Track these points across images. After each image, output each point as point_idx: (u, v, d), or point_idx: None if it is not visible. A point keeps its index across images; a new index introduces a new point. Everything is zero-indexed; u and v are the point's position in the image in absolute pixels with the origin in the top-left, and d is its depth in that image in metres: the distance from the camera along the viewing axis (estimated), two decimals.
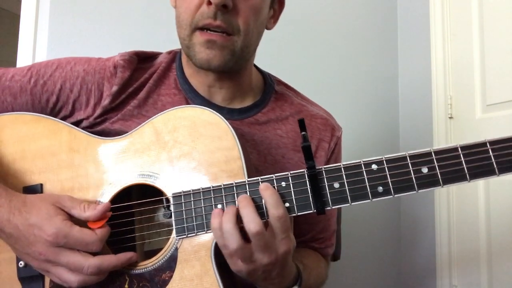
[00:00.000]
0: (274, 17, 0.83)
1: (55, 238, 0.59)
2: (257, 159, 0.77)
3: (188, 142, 0.66)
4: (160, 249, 0.65)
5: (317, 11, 1.76)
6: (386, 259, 1.80)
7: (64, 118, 0.75)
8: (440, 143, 1.56)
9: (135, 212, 0.69)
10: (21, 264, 0.65)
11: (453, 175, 0.58)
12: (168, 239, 0.68)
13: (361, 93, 1.80)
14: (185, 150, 0.66)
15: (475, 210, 1.40)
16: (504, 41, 1.32)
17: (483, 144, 0.58)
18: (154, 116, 0.68)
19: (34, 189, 0.68)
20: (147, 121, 0.69)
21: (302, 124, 0.61)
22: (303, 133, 0.61)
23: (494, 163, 0.57)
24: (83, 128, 0.73)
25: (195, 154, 0.65)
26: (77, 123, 0.75)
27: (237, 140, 0.65)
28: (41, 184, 0.68)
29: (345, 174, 0.60)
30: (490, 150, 0.58)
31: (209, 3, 0.67)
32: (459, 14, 1.53)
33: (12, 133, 0.70)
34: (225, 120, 0.66)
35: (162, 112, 0.68)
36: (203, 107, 0.68)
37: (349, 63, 1.79)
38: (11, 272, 0.65)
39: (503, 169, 0.57)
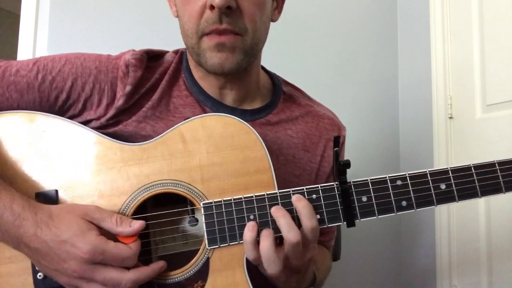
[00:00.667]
0: (278, 8, 0.81)
1: (91, 255, 0.57)
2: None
3: (216, 151, 0.65)
4: (175, 254, 0.65)
5: (317, 12, 1.76)
6: (386, 259, 1.80)
7: (72, 117, 0.71)
8: (440, 143, 1.56)
9: (153, 218, 0.67)
10: (40, 276, 0.62)
11: (467, 192, 0.64)
12: (186, 245, 0.67)
13: (361, 93, 1.80)
14: (213, 160, 0.64)
15: (475, 211, 1.40)
16: (504, 41, 1.32)
17: (493, 164, 0.65)
18: (181, 123, 0.66)
19: (49, 196, 0.63)
20: (172, 128, 0.66)
21: (336, 141, 0.62)
22: (335, 149, 0.62)
23: (501, 182, 0.64)
24: (94, 129, 0.69)
25: (224, 163, 0.64)
26: (85, 123, 0.71)
27: (266, 151, 0.65)
28: (56, 190, 0.64)
29: (372, 189, 0.63)
30: (498, 170, 0.64)
31: (212, 7, 0.66)
32: (459, 14, 1.53)
33: (21, 134, 0.65)
34: (254, 130, 0.65)
35: (188, 120, 0.66)
36: (230, 115, 0.66)
37: (349, 63, 1.79)
38: (25, 283, 0.62)
39: (509, 188, 0.64)
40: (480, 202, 1.39)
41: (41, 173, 0.65)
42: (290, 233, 0.58)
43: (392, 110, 1.85)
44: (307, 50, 1.72)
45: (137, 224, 0.60)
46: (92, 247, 0.57)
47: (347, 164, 0.61)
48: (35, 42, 1.37)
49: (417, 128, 1.73)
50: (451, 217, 1.53)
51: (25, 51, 1.37)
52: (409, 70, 1.80)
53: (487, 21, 1.40)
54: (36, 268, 0.62)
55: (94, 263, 0.57)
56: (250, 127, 0.65)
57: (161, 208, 0.67)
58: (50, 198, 0.63)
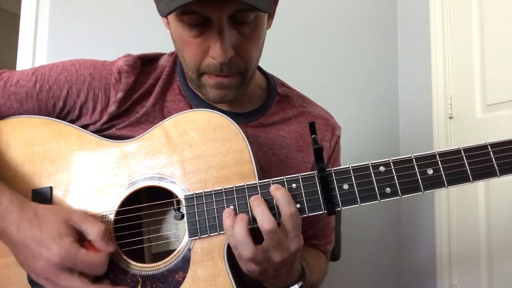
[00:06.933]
0: (271, 17, 0.79)
1: (61, 260, 0.58)
2: (262, 159, 0.78)
3: (199, 145, 0.66)
4: (168, 251, 0.65)
5: (317, 12, 1.76)
6: (386, 259, 1.80)
7: (71, 122, 0.74)
8: (440, 143, 1.56)
9: (143, 214, 0.69)
10: None
11: (457, 176, 0.60)
12: (178, 241, 0.68)
13: (361, 93, 1.80)
14: (196, 153, 0.66)
15: (475, 210, 1.40)
16: (504, 41, 1.32)
17: (485, 146, 0.60)
18: (165, 120, 0.68)
19: (44, 192, 0.67)
20: (157, 124, 0.69)
21: (312, 128, 0.62)
22: (313, 136, 0.62)
23: (495, 164, 0.60)
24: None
25: (206, 156, 0.66)
26: (83, 128, 0.74)
27: (247, 143, 0.65)
28: (51, 187, 0.67)
29: (354, 176, 0.61)
30: (491, 152, 0.60)
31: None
32: (459, 14, 1.53)
33: (21, 136, 0.69)
34: (235, 123, 0.66)
35: (172, 116, 0.68)
36: (213, 110, 0.68)
37: (349, 64, 1.79)
38: (20, 275, 0.65)
39: (504, 171, 0.59)
40: (480, 202, 1.39)
41: (38, 171, 0.68)
42: (263, 221, 0.57)
43: (392, 110, 1.85)
44: (307, 50, 1.72)
45: (112, 246, 0.62)
46: (64, 251, 0.58)
47: (318, 149, 0.60)
48: (35, 42, 1.37)
49: (417, 128, 1.73)
50: (451, 217, 1.53)
51: (25, 51, 1.38)
52: (409, 70, 1.80)
53: (487, 21, 1.40)
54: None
55: (63, 269, 0.59)
56: (232, 121, 0.67)
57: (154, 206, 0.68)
58: (45, 194, 0.67)
